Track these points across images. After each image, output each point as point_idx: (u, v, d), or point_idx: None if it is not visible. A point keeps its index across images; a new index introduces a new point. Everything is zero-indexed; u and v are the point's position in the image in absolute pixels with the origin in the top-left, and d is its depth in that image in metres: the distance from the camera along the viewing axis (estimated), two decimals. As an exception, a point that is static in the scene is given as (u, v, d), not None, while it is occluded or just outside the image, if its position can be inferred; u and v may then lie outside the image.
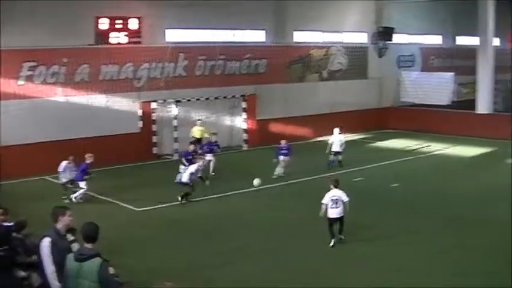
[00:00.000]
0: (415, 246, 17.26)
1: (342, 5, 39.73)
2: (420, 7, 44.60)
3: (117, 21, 29.31)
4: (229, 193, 23.57)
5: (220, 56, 33.58)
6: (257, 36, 35.63)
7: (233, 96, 33.94)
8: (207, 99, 32.60)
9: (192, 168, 22.37)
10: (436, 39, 48.40)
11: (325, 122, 37.43)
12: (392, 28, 41.76)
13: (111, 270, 9.45)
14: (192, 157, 24.52)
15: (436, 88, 40.96)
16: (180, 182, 22.62)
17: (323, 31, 38.84)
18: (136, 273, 14.88)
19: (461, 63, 48.30)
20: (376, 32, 41.91)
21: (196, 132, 30.22)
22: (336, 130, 28.83)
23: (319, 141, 35.70)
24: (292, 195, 23.63)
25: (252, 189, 23.46)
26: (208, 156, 26.69)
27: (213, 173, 26.75)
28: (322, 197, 17.19)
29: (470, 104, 40.41)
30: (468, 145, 34.98)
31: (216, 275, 15.27)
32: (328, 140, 29.19)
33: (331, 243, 17.05)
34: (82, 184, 22.41)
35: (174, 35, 31.90)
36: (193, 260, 16.37)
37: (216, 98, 32.98)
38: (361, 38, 41.67)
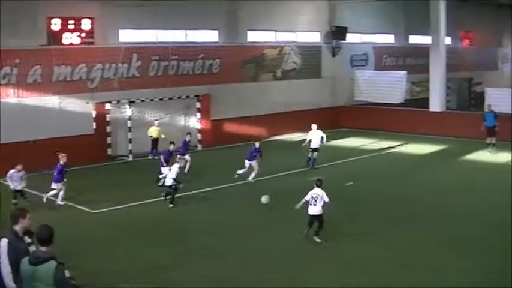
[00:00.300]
0: (368, 244, 17.86)
1: (295, 4, 40.46)
2: (372, 7, 45.52)
3: (69, 22, 29.42)
4: (186, 194, 23.76)
5: (174, 56, 34.00)
6: (210, 36, 36.19)
7: (187, 97, 34.34)
8: (161, 99, 32.97)
9: (174, 171, 22.36)
10: (388, 38, 49.51)
11: (280, 121, 38.46)
12: (345, 27, 42.64)
13: (67, 273, 9.04)
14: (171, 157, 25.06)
15: (389, 87, 41.87)
16: (164, 185, 22.90)
17: (276, 31, 39.64)
18: (94, 275, 15.03)
19: (414, 62, 49.62)
20: (329, 31, 42.72)
21: (153, 132, 30.85)
22: (314, 126, 29.18)
23: (274, 140, 36.51)
24: (249, 194, 23.96)
25: (209, 189, 23.98)
26: (186, 156, 27.31)
27: (187, 173, 26.93)
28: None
29: (424, 102, 41.57)
30: (422, 143, 35.92)
31: (176, 275, 15.57)
32: (305, 137, 29.46)
33: (304, 233, 18.00)
34: (56, 185, 22.41)
35: (128, 36, 32.30)
36: (152, 261, 16.61)
37: (170, 98, 33.36)
38: (314, 37, 42.50)
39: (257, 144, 25.84)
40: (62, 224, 17.91)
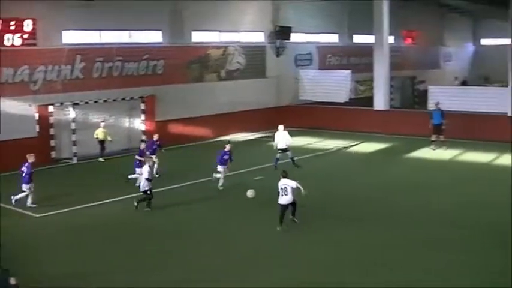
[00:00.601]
0: (315, 243, 18.48)
1: (239, 4, 41.13)
2: (316, 6, 46.46)
3: (11, 23, 29.34)
4: (130, 196, 23.96)
5: (118, 57, 34.26)
6: (154, 36, 36.58)
7: (131, 98, 34.56)
8: (105, 101, 33.15)
9: (146, 172, 22.15)
10: (332, 38, 50.56)
11: (225, 121, 39.04)
12: (290, 27, 43.42)
13: (13, 280, 9.11)
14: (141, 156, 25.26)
15: (333, 86, 42.84)
16: (139, 188, 22.67)
17: (221, 31, 40.23)
18: (40, 281, 15.28)
19: (358, 61, 50.73)
20: (273, 31, 43.46)
21: (100, 134, 31.20)
22: (281, 127, 29.84)
23: (219, 140, 37.01)
24: (200, 194, 24.51)
25: (159, 189, 24.26)
26: (154, 158, 27.38)
27: (157, 175, 26.69)
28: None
29: (368, 100, 42.59)
30: (367, 141, 36.83)
31: (121, 279, 15.86)
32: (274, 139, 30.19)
33: (278, 228, 19.16)
34: (27, 187, 22.59)
35: (71, 37, 32.45)
36: (100, 264, 16.95)
37: (114, 100, 33.55)
38: (259, 37, 43.24)
39: (227, 147, 25.60)
40: (6, 229, 18.29)
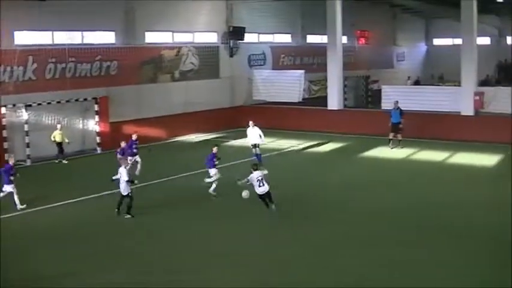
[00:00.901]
0: (268, 242, 18.98)
1: (192, 5, 41.64)
2: (270, 7, 47.23)
3: (-39, 24, 29.48)
4: (86, 197, 24.41)
5: (71, 58, 34.52)
6: (107, 37, 36.97)
7: (85, 99, 34.77)
8: (58, 102, 33.32)
9: (124, 175, 21.85)
10: (286, 38, 51.34)
11: (179, 122, 39.51)
12: (243, 28, 44.12)
13: None
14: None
15: (286, 86, 43.62)
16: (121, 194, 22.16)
17: (174, 31, 40.75)
18: None
19: (311, 61, 51.54)
20: (227, 31, 44.12)
21: (57, 136, 31.57)
22: (251, 123, 30.57)
23: (174, 141, 37.55)
24: (158, 195, 24.90)
25: (107, 192, 24.50)
26: (137, 158, 27.92)
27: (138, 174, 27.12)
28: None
29: (322, 100, 43.38)
30: (320, 141, 37.40)
31: (80, 280, 16.12)
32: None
33: (274, 207, 21.06)
34: (9, 188, 22.76)
35: (23, 38, 32.68)
36: (54, 266, 17.19)
37: (67, 101, 33.72)
38: (212, 37, 43.86)
39: (214, 150, 25.13)
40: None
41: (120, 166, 22.18)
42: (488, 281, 15.45)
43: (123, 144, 27.44)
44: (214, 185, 24.45)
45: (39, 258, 17.96)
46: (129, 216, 21.72)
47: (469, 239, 18.62)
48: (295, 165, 31.39)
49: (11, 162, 23.19)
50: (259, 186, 20.92)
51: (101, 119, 35.60)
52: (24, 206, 22.89)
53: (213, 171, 24.69)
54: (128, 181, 21.79)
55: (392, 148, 34.07)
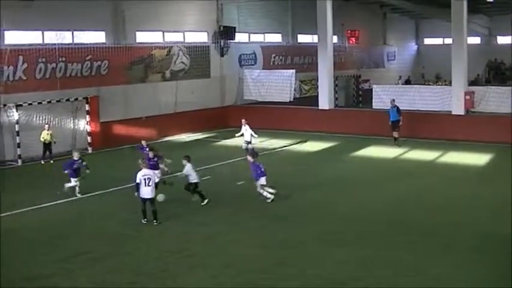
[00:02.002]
0: (246, 243, 18.97)
1: (182, 4, 41.84)
2: (260, 6, 47.49)
3: (-49, 24, 29.56)
4: (73, 199, 24.57)
5: (61, 58, 34.61)
6: (97, 37, 37.09)
7: (76, 99, 34.83)
8: (49, 102, 33.38)
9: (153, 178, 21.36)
10: (276, 38, 51.52)
11: (169, 122, 39.65)
12: (234, 27, 44.32)
13: None
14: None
15: (277, 85, 43.83)
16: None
17: (164, 31, 40.92)
18: None
19: (302, 60, 51.73)
20: (218, 31, 44.26)
21: (46, 136, 31.55)
22: (243, 121, 31.68)
23: (165, 141, 37.63)
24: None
25: (102, 191, 24.82)
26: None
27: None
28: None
29: (313, 100, 43.56)
30: (312, 140, 37.58)
31: (64, 281, 16.15)
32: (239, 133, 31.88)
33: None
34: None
35: (13, 37, 32.80)
36: (31, 268, 17.10)
37: (58, 101, 33.79)
38: (203, 37, 44.04)
39: (150, 154, 25.06)
40: None
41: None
42: (480, 280, 15.56)
43: (144, 143, 27.51)
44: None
45: (28, 258, 17.97)
46: (157, 222, 21.03)
47: (460, 238, 18.76)
48: (286, 165, 31.35)
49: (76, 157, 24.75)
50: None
51: (92, 118, 35.67)
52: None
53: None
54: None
55: (400, 146, 34.34)
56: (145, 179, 20.59)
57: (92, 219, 22.00)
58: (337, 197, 24.34)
